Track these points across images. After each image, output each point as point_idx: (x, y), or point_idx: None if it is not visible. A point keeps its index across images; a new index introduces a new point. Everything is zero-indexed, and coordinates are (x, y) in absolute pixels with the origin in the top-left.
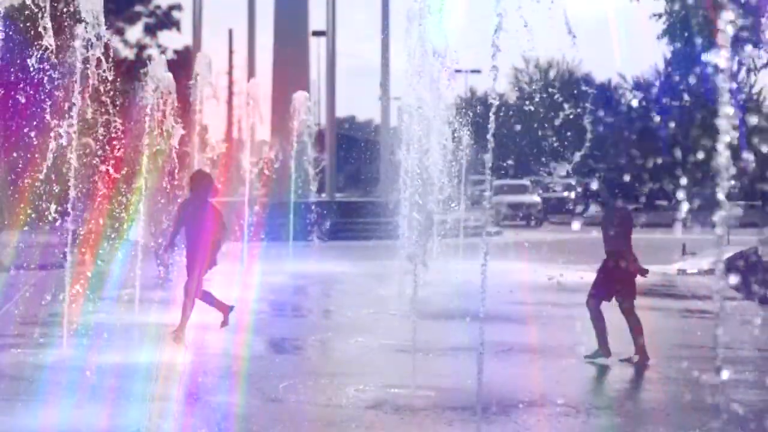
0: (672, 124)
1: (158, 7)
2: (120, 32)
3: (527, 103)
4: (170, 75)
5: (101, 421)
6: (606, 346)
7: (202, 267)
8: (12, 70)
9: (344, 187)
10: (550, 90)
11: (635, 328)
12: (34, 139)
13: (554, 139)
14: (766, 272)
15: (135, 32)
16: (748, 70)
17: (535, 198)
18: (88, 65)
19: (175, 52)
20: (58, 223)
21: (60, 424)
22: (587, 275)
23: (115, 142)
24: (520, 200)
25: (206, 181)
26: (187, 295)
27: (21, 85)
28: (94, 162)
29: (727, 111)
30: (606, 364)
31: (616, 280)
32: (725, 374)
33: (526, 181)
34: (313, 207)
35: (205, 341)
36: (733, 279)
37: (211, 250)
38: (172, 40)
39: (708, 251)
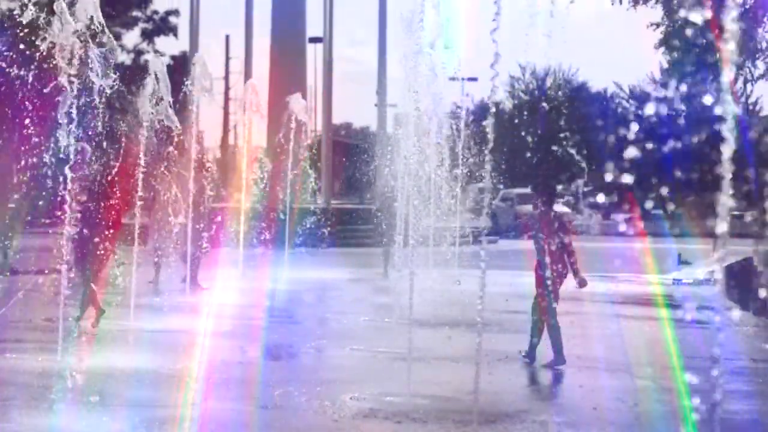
0: (669, 133)
1: (156, 12)
2: (117, 37)
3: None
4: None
5: (95, 428)
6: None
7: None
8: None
9: (340, 193)
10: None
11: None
12: (33, 143)
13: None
14: (762, 282)
15: (132, 37)
16: (745, 81)
17: (564, 207)
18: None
19: (172, 57)
20: (54, 228)
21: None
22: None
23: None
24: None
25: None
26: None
27: (19, 88)
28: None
29: (726, 120)
30: (594, 373)
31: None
32: (720, 384)
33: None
34: (309, 214)
35: (200, 347)
36: (729, 289)
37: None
38: (170, 45)
39: (704, 261)
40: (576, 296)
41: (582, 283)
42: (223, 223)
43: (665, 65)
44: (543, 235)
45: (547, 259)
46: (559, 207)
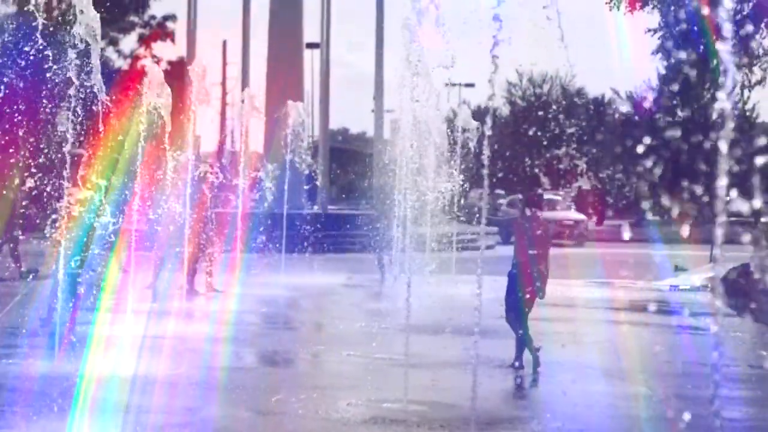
0: (666, 139)
1: (153, 17)
2: (114, 42)
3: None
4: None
5: None
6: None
7: None
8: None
9: (337, 199)
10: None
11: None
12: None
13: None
14: (759, 289)
15: (129, 42)
16: (742, 87)
17: (581, 215)
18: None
19: (169, 62)
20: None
21: None
22: (585, 291)
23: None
24: (569, 217)
25: None
26: None
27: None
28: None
29: (725, 127)
30: (590, 379)
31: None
32: (717, 391)
33: (557, 196)
34: (305, 219)
35: (196, 353)
36: (726, 295)
37: None
38: (167, 50)
39: (700, 267)
40: (573, 302)
41: (542, 296)
42: (221, 228)
43: (662, 71)
44: (538, 243)
45: (533, 265)
46: (573, 213)
